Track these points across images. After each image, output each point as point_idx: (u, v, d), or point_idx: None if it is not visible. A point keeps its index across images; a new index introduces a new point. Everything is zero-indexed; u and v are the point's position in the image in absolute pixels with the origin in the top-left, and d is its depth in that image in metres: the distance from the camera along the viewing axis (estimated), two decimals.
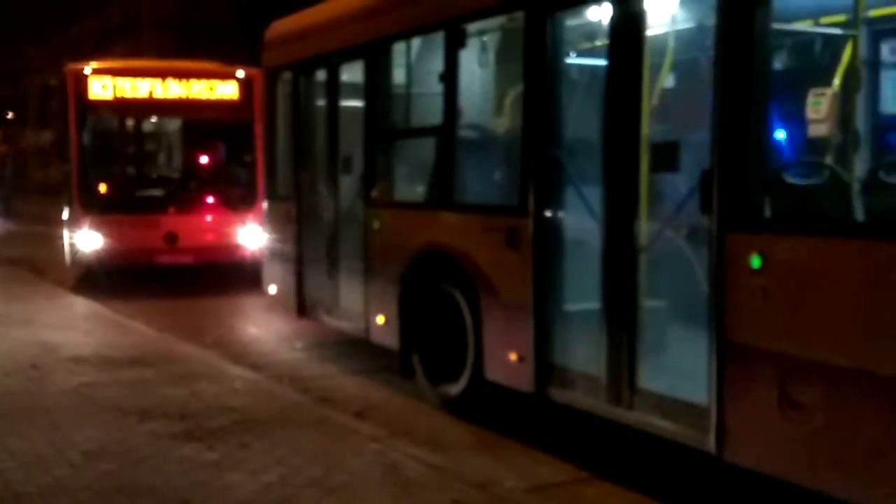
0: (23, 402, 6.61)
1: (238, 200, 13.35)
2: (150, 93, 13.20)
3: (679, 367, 5.20)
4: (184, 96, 13.30)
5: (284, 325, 10.09)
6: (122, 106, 13.23)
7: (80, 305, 11.50)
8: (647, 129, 5.06)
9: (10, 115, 54.15)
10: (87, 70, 13.07)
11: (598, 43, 5.94)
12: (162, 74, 13.30)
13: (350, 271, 8.03)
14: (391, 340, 7.28)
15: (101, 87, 13.01)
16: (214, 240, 12.96)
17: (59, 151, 16.11)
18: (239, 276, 12.49)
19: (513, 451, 5.90)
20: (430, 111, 6.97)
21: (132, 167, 14.14)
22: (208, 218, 13.14)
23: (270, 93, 9.55)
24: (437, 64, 6.69)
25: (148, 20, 36.95)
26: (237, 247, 13.02)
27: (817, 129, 4.48)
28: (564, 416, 6.06)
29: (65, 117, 13.31)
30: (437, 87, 6.66)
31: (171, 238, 12.88)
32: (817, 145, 4.58)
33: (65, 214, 13.78)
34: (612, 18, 5.25)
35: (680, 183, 5.09)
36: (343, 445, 5.67)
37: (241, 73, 13.44)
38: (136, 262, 12.83)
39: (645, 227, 5.11)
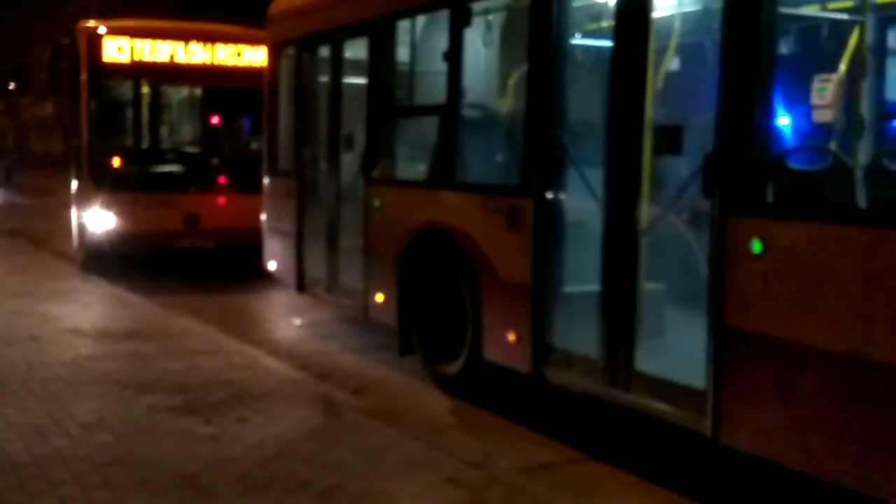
0: (21, 373, 6.62)
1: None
2: (172, 57, 11.81)
3: (677, 351, 5.22)
4: (208, 62, 11.95)
5: (284, 302, 10.11)
6: (139, 71, 11.81)
7: (80, 278, 11.47)
8: (650, 111, 5.04)
9: (11, 86, 53.94)
10: (102, 29, 11.64)
11: (604, 24, 5.92)
12: (185, 37, 11.91)
13: (350, 249, 8.01)
14: (390, 318, 7.27)
15: (117, 48, 11.58)
16: (238, 223, 11.29)
17: (66, 122, 15.00)
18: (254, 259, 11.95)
19: (509, 430, 5.92)
20: (433, 90, 6.95)
21: (149, 140, 12.58)
22: (232, 198, 11.74)
23: (274, 68, 9.47)
24: (441, 43, 6.64)
25: None
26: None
27: (822, 115, 4.47)
28: (561, 397, 6.08)
29: (75, 82, 12.05)
30: (441, 66, 6.61)
31: (192, 220, 11.64)
32: (821, 131, 4.56)
33: (73, 190, 12.85)
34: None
35: (682, 166, 5.08)
36: (340, 422, 5.70)
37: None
38: (151, 245, 11.63)
39: (646, 210, 5.08)
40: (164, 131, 13.05)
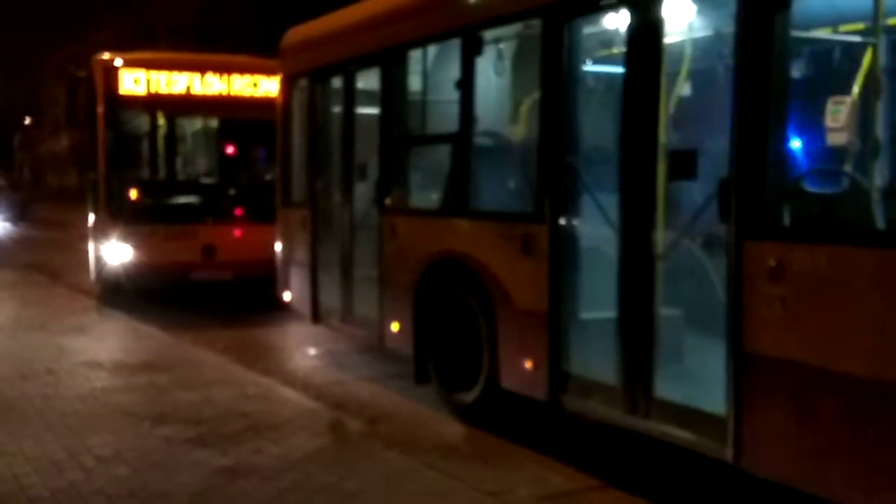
0: (38, 406, 6.62)
1: None
2: (188, 88, 11.85)
3: (696, 377, 5.15)
4: (224, 93, 11.99)
5: (299, 332, 10.09)
6: (155, 102, 11.87)
7: (95, 310, 11.51)
8: (664, 136, 5.02)
9: (27, 121, 54.46)
10: (118, 62, 11.69)
11: (615, 50, 5.90)
12: (200, 68, 11.95)
13: (364, 278, 7.98)
14: (405, 347, 7.23)
15: (133, 81, 11.63)
16: (255, 253, 11.14)
17: (82, 155, 14.87)
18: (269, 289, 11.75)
19: (525, 458, 5.86)
20: (445, 118, 6.94)
21: (165, 171, 12.60)
22: (249, 229, 11.63)
23: (287, 100, 9.50)
24: (453, 71, 6.66)
25: (164, 27, 37.14)
26: None
27: (836, 138, 4.44)
28: (578, 424, 6.03)
29: (92, 115, 12.05)
30: (453, 95, 6.63)
31: (209, 251, 11.60)
32: (837, 153, 4.53)
33: (89, 223, 12.77)
34: (630, 25, 5.20)
35: (696, 191, 5.05)
36: (356, 452, 5.66)
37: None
38: (169, 277, 11.54)
39: (661, 235, 5.04)
40: (180, 162, 13.04)
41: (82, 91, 12.73)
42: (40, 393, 7.05)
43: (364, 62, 7.97)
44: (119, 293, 11.72)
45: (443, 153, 7.09)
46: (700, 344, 5.21)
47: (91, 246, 12.73)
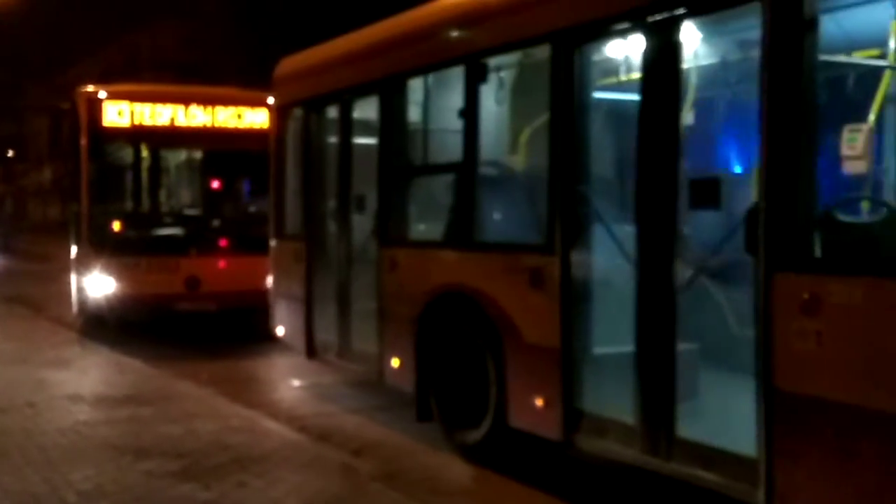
0: (18, 440, 6.54)
1: (266, 241, 11.64)
2: (172, 120, 11.84)
3: (721, 415, 4.93)
4: (208, 124, 11.97)
5: (282, 364, 10.04)
6: (139, 134, 11.85)
7: (77, 343, 11.39)
8: (681, 164, 4.82)
9: (9, 154, 54.31)
10: (102, 94, 11.69)
11: (628, 76, 5.81)
12: (184, 100, 11.94)
13: (362, 312, 7.73)
14: (406, 384, 6.97)
15: (117, 112, 11.61)
16: (240, 285, 11.26)
17: (67, 187, 14.70)
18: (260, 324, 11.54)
19: (511, 491, 5.84)
20: (447, 148, 6.84)
21: (149, 203, 12.52)
22: (233, 261, 11.58)
23: (280, 130, 9.31)
24: (455, 100, 6.53)
25: (148, 61, 37.23)
26: (264, 293, 11.15)
27: (853, 166, 4.33)
28: (581, 462, 5.91)
29: (75, 147, 11.96)
30: (456, 124, 6.49)
31: (193, 283, 11.49)
32: (869, 181, 4.41)
33: (72, 255, 12.62)
34: (645, 51, 5.03)
35: (716, 220, 4.91)
36: (340, 484, 5.62)
37: (272, 100, 11.79)
38: (153, 309, 11.43)
39: (681, 267, 4.82)
40: (164, 194, 13.01)
41: (66, 123, 12.72)
42: (21, 426, 6.96)
43: (361, 91, 7.81)
44: (101, 325, 11.61)
45: (445, 184, 6.95)
46: (724, 380, 4.99)
47: (73, 278, 12.61)
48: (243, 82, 13.26)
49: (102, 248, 11.47)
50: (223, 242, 11.79)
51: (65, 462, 6.01)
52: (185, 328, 11.97)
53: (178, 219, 12.60)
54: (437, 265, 6.76)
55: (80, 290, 12.07)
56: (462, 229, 6.48)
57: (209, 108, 11.97)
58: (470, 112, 6.37)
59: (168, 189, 13.25)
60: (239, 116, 12.07)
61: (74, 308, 12.48)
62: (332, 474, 5.82)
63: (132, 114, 11.69)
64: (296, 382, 9.40)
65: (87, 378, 9.14)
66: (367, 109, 7.75)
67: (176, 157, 13.27)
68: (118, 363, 9.91)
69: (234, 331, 11.98)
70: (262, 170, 11.72)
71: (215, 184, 12.30)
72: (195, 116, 11.93)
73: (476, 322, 6.21)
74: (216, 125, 12.00)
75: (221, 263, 11.65)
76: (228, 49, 27.96)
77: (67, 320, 12.98)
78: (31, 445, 6.40)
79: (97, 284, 11.43)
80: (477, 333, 6.23)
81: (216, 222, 12.16)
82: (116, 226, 11.71)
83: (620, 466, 5.27)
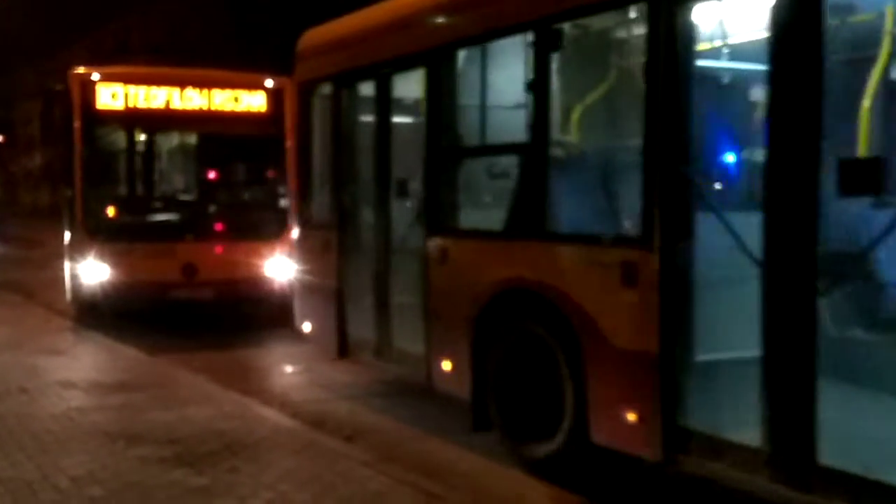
0: (11, 426, 6.55)
1: (265, 227, 11.74)
2: (167, 103, 11.53)
3: (875, 439, 4.14)
4: (205, 108, 11.66)
5: (276, 349, 10.05)
6: (134, 117, 11.61)
7: (70, 329, 11.39)
8: (822, 141, 4.13)
9: (0, 139, 54.09)
10: (95, 76, 11.37)
11: (750, 37, 5.04)
12: (180, 82, 11.63)
13: (406, 308, 7.06)
14: (460, 389, 6.31)
15: (111, 95, 11.32)
16: (238, 272, 11.14)
17: (60, 171, 13.83)
18: (258, 313, 11.66)
19: (510, 477, 5.84)
20: (512, 125, 6.18)
21: (144, 188, 12.41)
22: (231, 247, 11.34)
23: (304, 109, 8.52)
24: (519, 70, 5.94)
25: (138, 45, 37.08)
26: (264, 280, 11.45)
27: None
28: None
29: (68, 130, 11.59)
30: (519, 99, 5.90)
31: (189, 270, 11.22)
32: None
33: (65, 242, 12.24)
34: (776, 5, 4.27)
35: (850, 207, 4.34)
36: (333, 470, 5.63)
37: (269, 83, 11.80)
38: (148, 297, 11.17)
39: (818, 261, 4.12)
40: (159, 179, 12.82)
41: (59, 106, 12.55)
42: (13, 412, 6.97)
43: (404, 64, 7.07)
44: (95, 313, 11.48)
45: (508, 166, 6.23)
46: (883, 397, 4.32)
47: (67, 265, 12.33)
48: (235, 68, 13.12)
49: (96, 234, 11.29)
50: (220, 228, 11.60)
51: (57, 448, 6.03)
52: (178, 315, 11.89)
53: (174, 204, 12.37)
54: (500, 258, 6.04)
55: (73, 277, 11.82)
56: (532, 218, 5.73)
57: (206, 91, 11.71)
58: (540, 84, 5.65)
59: (163, 174, 13.04)
60: (236, 99, 11.80)
61: (68, 296, 12.32)
62: (325, 460, 5.84)
63: (126, 96, 11.43)
64: (289, 368, 9.42)
65: (79, 364, 9.14)
66: (410, 84, 7.10)
67: (171, 141, 13.02)
68: (111, 350, 9.92)
69: (228, 317, 11.95)
70: (260, 154, 11.86)
71: (212, 168, 12.09)
72: (191, 99, 11.66)
73: (549, 322, 5.54)
74: (213, 108, 11.73)
75: (219, 250, 11.40)
76: (221, 33, 27.86)
77: (59, 306, 12.90)
78: (23, 431, 6.42)
79: (91, 272, 11.23)
80: (550, 335, 5.56)
81: (213, 207, 11.96)
82: (111, 211, 11.56)
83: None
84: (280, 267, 11.34)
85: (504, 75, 6.44)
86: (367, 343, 7.54)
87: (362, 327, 7.56)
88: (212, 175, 12.15)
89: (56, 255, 14.19)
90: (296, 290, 8.78)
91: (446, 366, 6.42)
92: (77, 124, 11.40)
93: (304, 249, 8.64)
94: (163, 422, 6.72)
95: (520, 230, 5.90)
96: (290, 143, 11.14)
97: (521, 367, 5.85)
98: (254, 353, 10.42)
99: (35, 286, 15.99)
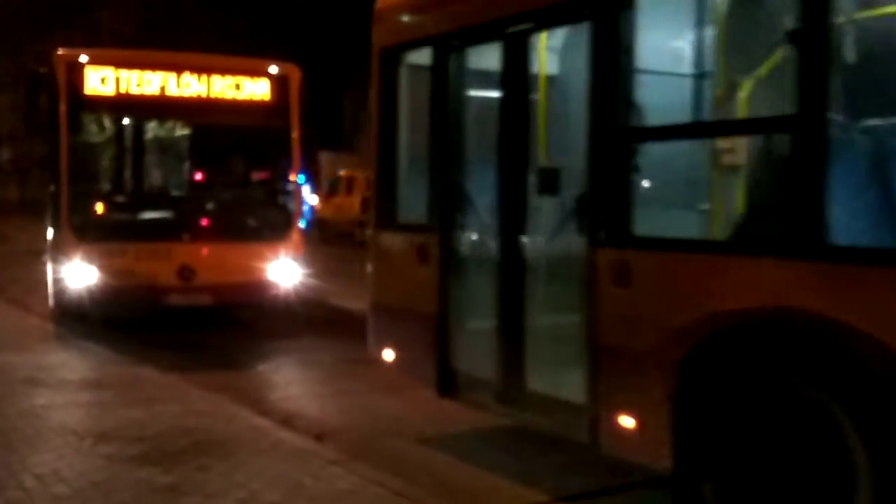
0: None
1: (268, 227, 10.99)
2: (162, 89, 10.51)
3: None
4: (203, 95, 10.65)
5: (248, 348, 10.00)
6: (125, 105, 10.62)
7: (38, 326, 11.29)
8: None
9: None
10: (83, 58, 10.36)
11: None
12: (176, 67, 10.61)
13: (550, 339, 5.64)
14: (652, 455, 4.67)
15: (100, 80, 10.31)
16: (239, 276, 10.30)
17: (45, 163, 12.75)
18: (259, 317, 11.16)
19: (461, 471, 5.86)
20: (753, 98, 4.64)
21: (136, 183, 11.45)
22: (232, 248, 10.51)
23: (390, 80, 6.72)
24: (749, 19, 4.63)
25: (109, 40, 36.84)
26: (267, 285, 10.63)
27: None
28: None
29: (53, 117, 10.58)
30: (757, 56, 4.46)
31: (186, 273, 10.32)
32: None
33: (48, 241, 11.23)
34: None
35: None
36: (302, 469, 5.61)
37: (274, 69, 10.90)
38: (140, 303, 10.32)
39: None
40: (152, 173, 12.10)
41: (43, 91, 11.35)
42: None
43: (552, 17, 5.47)
44: (82, 321, 10.60)
45: (737, 154, 4.80)
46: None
47: (49, 266, 11.27)
48: (237, 51, 12.55)
49: (83, 233, 10.39)
50: (220, 227, 10.72)
51: (23, 446, 5.99)
52: (170, 319, 11.24)
53: (170, 200, 11.54)
54: (725, 280, 4.33)
55: (56, 280, 10.73)
56: (794, 226, 4.04)
57: (204, 77, 10.72)
58: (815, 35, 3.93)
59: (157, 167, 12.27)
60: (237, 87, 10.85)
61: (50, 300, 11.30)
62: (294, 458, 5.82)
63: (117, 81, 10.43)
64: (260, 367, 9.36)
65: (47, 362, 9.04)
66: (557, 46, 5.83)
67: (167, 131, 12.17)
68: (80, 347, 9.84)
69: (200, 316, 11.82)
70: (264, 147, 11.08)
71: (211, 162, 11.40)
72: (188, 86, 10.66)
73: (818, 375, 3.96)
74: (212, 96, 10.75)
75: (218, 251, 10.53)
76: (193, 24, 27.71)
77: (28, 303, 12.79)
78: None
79: (77, 274, 10.27)
80: (824, 394, 3.94)
81: (212, 205, 11.05)
82: (99, 208, 10.83)
83: None
84: (285, 270, 10.71)
85: (743, 23, 4.91)
86: (483, 382, 5.92)
87: (477, 362, 5.98)
88: (211, 169, 11.42)
89: (25, 251, 14.01)
90: (372, 307, 7.00)
91: (628, 423, 4.81)
92: (63, 111, 10.46)
93: (385, 257, 6.90)
94: (131, 419, 6.67)
95: (762, 242, 4.32)
96: (295, 135, 10.74)
97: (769, 433, 4.22)
98: (225, 350, 10.35)
99: (3, 283, 15.81)
